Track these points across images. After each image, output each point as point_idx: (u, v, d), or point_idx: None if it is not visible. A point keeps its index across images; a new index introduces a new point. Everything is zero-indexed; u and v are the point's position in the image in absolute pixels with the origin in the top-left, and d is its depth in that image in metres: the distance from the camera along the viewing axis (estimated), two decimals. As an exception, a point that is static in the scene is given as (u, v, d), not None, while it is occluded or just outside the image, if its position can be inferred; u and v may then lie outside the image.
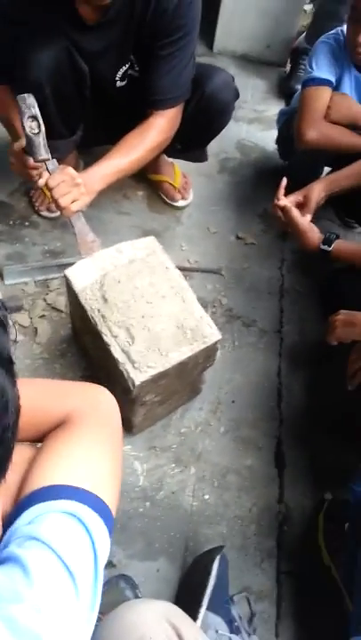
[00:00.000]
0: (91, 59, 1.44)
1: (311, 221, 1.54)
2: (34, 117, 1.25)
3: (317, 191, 1.55)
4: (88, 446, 0.71)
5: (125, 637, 0.80)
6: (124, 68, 1.52)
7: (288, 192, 1.58)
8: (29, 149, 1.28)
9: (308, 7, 2.76)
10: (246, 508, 1.36)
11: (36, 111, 1.25)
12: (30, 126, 1.25)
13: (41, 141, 1.27)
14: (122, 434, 0.81)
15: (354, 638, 0.97)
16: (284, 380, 1.59)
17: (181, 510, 1.32)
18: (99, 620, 1.11)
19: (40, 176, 1.33)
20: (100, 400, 0.80)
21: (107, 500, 0.65)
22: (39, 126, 1.26)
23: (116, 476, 0.72)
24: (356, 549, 1.05)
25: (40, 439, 0.75)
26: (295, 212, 1.50)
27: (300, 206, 1.55)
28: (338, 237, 1.47)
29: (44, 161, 1.29)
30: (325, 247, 1.45)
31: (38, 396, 0.77)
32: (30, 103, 1.25)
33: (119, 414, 0.82)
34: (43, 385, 0.82)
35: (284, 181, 1.55)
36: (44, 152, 1.28)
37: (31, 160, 1.30)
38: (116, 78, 1.53)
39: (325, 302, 1.72)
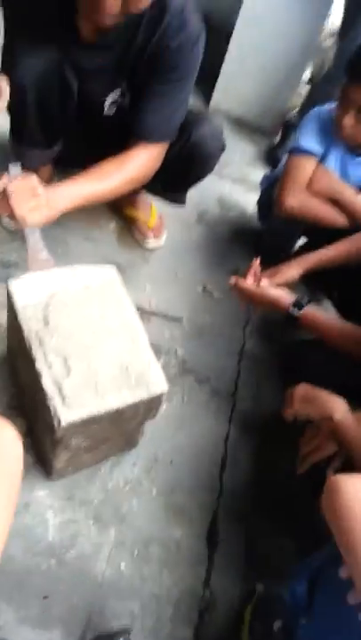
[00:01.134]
0: (82, 76, 1.37)
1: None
2: None
3: (294, 272, 1.51)
4: None
5: None
6: (114, 95, 1.45)
7: (263, 255, 1.53)
8: None
9: (304, 90, 2.84)
10: (166, 586, 1.18)
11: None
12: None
13: None
14: (19, 482, 0.65)
15: None
16: (230, 449, 1.45)
17: (91, 576, 1.14)
18: None
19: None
20: (0, 437, 0.65)
21: None
22: None
23: (2, 532, 0.56)
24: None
25: None
26: (264, 285, 1.44)
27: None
28: (310, 302, 1.38)
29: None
30: (294, 310, 1.36)
31: None
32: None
33: (21, 457, 0.66)
34: None
35: (257, 262, 1.50)
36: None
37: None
38: (105, 103, 1.46)
39: (286, 371, 1.62)
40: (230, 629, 1.16)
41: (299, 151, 1.62)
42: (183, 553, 1.24)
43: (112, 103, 1.47)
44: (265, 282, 1.44)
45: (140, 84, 1.37)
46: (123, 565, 1.17)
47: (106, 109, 1.48)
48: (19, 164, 1.21)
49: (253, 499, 1.38)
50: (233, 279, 1.47)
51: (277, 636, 1.09)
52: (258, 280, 1.45)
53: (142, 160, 1.41)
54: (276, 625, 1.12)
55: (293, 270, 1.51)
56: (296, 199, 1.61)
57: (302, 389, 1.21)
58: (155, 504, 1.29)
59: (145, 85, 1.37)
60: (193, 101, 1.50)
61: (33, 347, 1.06)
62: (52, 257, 1.25)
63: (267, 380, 1.65)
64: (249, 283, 1.45)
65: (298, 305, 1.37)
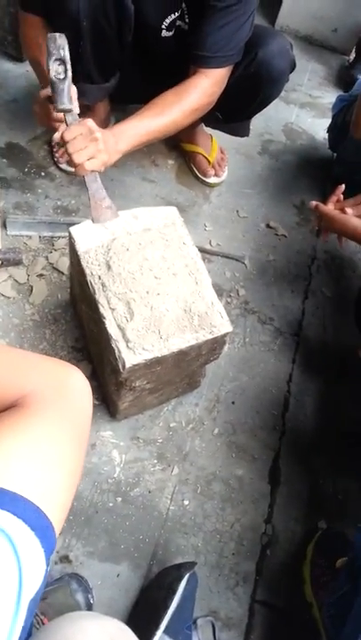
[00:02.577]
0: None
1: None
2: (61, 61, 1.09)
3: None
4: (40, 439, 0.55)
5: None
6: (173, 17, 1.36)
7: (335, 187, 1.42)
8: (52, 96, 1.12)
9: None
10: (229, 522, 1.21)
11: (66, 54, 1.08)
12: (56, 70, 1.09)
13: (65, 89, 1.10)
14: (89, 429, 0.65)
15: None
16: (293, 389, 1.44)
17: (156, 513, 1.19)
18: (41, 623, 0.98)
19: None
20: (69, 384, 0.64)
21: (52, 515, 0.50)
22: (66, 71, 1.09)
23: (71, 480, 0.57)
24: (349, 598, 0.90)
25: None
26: (349, 212, 1.32)
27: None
28: None
29: (64, 111, 1.13)
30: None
31: None
32: (60, 44, 1.09)
33: (91, 404, 0.66)
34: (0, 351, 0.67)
35: (341, 188, 1.37)
36: (66, 101, 1.11)
37: (55, 113, 1.15)
38: (163, 27, 1.37)
39: (359, 311, 1.55)
40: (292, 565, 1.19)
41: None
42: (245, 490, 1.26)
43: (170, 25, 1.37)
44: (349, 211, 1.34)
45: (202, 2, 1.27)
46: (186, 502, 1.21)
47: (163, 32, 1.38)
48: (76, 112, 1.17)
49: (317, 439, 1.37)
50: (314, 203, 1.36)
51: (339, 572, 1.11)
52: (341, 208, 1.34)
53: (204, 87, 1.33)
54: (339, 562, 1.14)
55: None
56: None
57: None
58: (217, 443, 1.31)
59: (206, 4, 1.26)
60: (256, 20, 1.37)
61: (96, 291, 1.06)
62: (114, 203, 1.22)
63: (333, 320, 1.59)
64: (330, 206, 1.35)
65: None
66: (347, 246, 1.63)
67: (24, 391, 0.60)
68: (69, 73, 1.10)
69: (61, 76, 1.10)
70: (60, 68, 1.10)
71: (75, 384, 0.65)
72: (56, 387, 0.62)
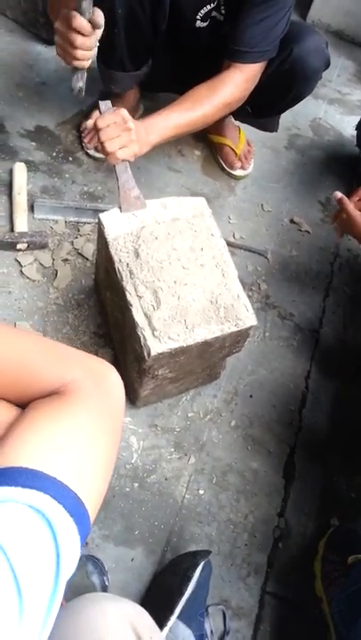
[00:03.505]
0: None
1: None
2: None
3: None
4: (80, 429, 0.56)
5: (82, 636, 0.68)
6: (209, 7, 1.35)
7: (359, 184, 1.41)
8: (78, 7, 1.01)
9: None
10: (243, 513, 1.22)
11: None
12: None
13: None
14: (122, 425, 0.67)
15: None
16: (311, 386, 1.44)
17: (171, 500, 1.20)
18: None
19: (83, 52, 1.07)
20: (107, 378, 0.65)
21: (88, 502, 0.50)
22: None
23: (106, 472, 0.58)
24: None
25: (24, 405, 0.60)
26: None
27: None
28: None
29: (90, 19, 1.02)
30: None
31: (32, 354, 0.63)
32: None
33: (124, 402, 0.67)
34: (42, 343, 0.67)
35: None
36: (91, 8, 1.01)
37: (78, 19, 1.01)
38: (198, 17, 1.36)
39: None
40: (303, 559, 1.20)
41: None
42: (260, 483, 1.27)
43: (206, 15, 1.36)
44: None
45: None
46: (201, 491, 1.22)
47: (198, 23, 1.38)
48: (109, 101, 1.16)
49: (332, 437, 1.38)
50: (338, 194, 1.34)
51: (351, 569, 1.12)
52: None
53: (237, 82, 1.32)
54: (351, 559, 1.15)
55: None
56: None
57: None
58: (233, 435, 1.32)
59: None
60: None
61: (124, 278, 1.07)
62: (142, 193, 1.21)
63: (353, 318, 1.59)
64: (352, 205, 1.33)
65: None
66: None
67: (65, 380, 0.60)
68: None
69: None
70: None
71: (113, 380, 0.66)
72: (96, 380, 0.63)
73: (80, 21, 1.01)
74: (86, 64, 1.10)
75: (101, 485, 0.56)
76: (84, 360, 0.66)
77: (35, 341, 0.67)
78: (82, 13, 1.01)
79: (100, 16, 1.03)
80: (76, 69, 1.10)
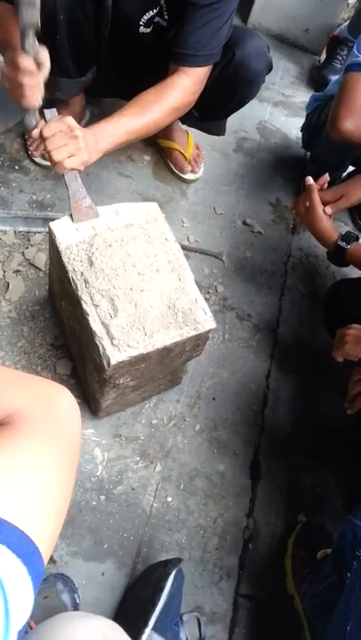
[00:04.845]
0: None
1: None
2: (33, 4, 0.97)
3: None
4: (28, 462, 0.52)
5: (55, 659, 0.66)
6: (152, 13, 1.34)
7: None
8: (22, 47, 1.02)
9: (352, 0, 2.62)
10: (212, 517, 1.22)
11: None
12: (27, 15, 0.97)
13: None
14: (79, 449, 0.64)
15: None
16: (272, 385, 1.45)
17: (139, 510, 1.18)
18: (28, 628, 0.96)
19: (32, 91, 1.09)
20: (57, 401, 0.62)
21: (40, 540, 0.47)
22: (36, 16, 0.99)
23: (60, 506, 0.54)
24: (334, 589, 0.92)
25: None
26: (324, 213, 1.35)
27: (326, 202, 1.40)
28: (358, 239, 1.33)
29: (35, 57, 1.03)
30: (343, 244, 1.31)
31: None
32: None
33: (80, 425, 0.64)
34: None
35: (325, 178, 1.41)
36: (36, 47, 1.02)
37: (23, 59, 1.02)
38: (141, 23, 1.36)
39: (327, 310, 1.58)
40: (274, 558, 1.21)
41: (358, 67, 1.42)
42: (227, 485, 1.27)
43: (149, 21, 1.36)
44: (328, 210, 1.36)
45: (181, 0, 1.26)
46: (169, 499, 1.21)
47: (141, 28, 1.37)
48: (54, 109, 1.14)
49: (295, 434, 1.39)
50: (310, 179, 1.39)
51: (321, 564, 1.13)
52: (323, 201, 1.37)
53: (185, 86, 1.32)
54: (320, 554, 1.16)
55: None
56: (353, 120, 1.42)
57: (354, 330, 1.18)
58: (198, 439, 1.31)
59: (187, 1, 1.26)
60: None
61: (79, 288, 1.04)
62: (93, 200, 1.19)
63: (308, 316, 1.62)
64: (306, 204, 1.38)
65: (346, 239, 1.31)
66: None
67: (11, 409, 0.57)
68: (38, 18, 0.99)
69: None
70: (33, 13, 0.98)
71: (64, 403, 0.63)
72: (45, 405, 0.60)
73: (25, 61, 1.03)
74: (36, 103, 1.11)
75: (55, 519, 0.52)
76: (33, 386, 0.63)
77: None
78: (26, 52, 1.03)
79: (44, 55, 1.05)
80: (27, 109, 1.11)
